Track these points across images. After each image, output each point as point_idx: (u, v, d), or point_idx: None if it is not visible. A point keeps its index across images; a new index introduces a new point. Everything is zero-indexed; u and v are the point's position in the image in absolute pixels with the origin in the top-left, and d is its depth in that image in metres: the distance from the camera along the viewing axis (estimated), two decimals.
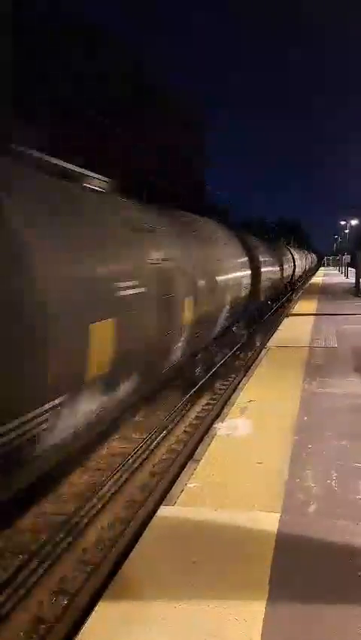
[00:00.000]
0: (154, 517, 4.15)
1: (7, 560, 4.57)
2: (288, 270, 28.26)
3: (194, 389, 9.45)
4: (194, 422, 8.31)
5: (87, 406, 4.67)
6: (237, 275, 12.35)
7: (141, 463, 6.46)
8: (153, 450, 6.88)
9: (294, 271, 33.57)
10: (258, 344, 14.40)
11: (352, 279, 34.50)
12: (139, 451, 6.76)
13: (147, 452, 6.79)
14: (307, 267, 49.83)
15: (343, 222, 67.46)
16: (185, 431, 7.94)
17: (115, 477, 6.06)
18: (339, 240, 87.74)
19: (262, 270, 16.49)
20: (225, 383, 10.58)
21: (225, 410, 6.92)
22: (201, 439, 6.13)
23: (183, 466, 5.38)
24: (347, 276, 47.87)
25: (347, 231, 68.58)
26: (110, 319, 4.88)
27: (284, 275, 25.57)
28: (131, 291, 5.49)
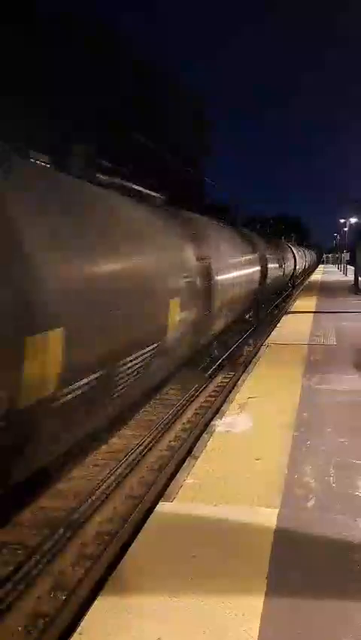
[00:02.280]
0: (153, 513, 4.17)
1: None
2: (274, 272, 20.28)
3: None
4: (193, 419, 8.32)
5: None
6: None
7: None
8: None
9: (295, 269, 33.26)
10: (257, 341, 14.40)
11: (351, 277, 34.52)
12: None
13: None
14: (305, 265, 49.26)
15: (342, 220, 67.46)
16: (183, 428, 7.94)
17: None
18: (338, 237, 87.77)
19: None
20: (224, 380, 10.58)
21: (224, 407, 6.94)
22: (199, 436, 6.14)
23: (181, 462, 5.39)
24: (345, 274, 47.88)
25: (346, 229, 68.57)
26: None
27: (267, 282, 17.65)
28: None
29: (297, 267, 35.07)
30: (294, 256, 31.99)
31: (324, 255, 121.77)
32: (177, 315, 6.55)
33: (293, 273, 32.04)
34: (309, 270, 53.77)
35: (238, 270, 11.76)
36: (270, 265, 18.41)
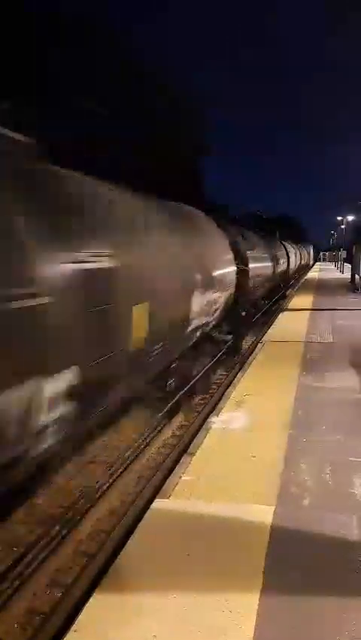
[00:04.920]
0: (149, 510, 4.17)
1: None
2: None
3: None
4: (189, 416, 8.32)
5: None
6: None
7: None
8: None
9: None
10: (253, 338, 14.41)
11: (348, 275, 34.50)
12: None
13: None
14: (299, 262, 46.72)
15: (339, 218, 67.57)
16: (180, 425, 7.95)
17: None
18: (335, 235, 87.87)
19: None
20: (220, 377, 10.60)
21: (220, 404, 6.94)
22: (196, 433, 6.14)
23: (177, 460, 5.40)
24: (342, 272, 47.86)
25: (343, 227, 68.66)
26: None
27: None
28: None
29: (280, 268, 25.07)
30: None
31: (321, 253, 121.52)
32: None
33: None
34: (302, 271, 52.08)
35: None
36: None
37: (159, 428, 7.46)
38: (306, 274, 48.79)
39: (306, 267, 52.79)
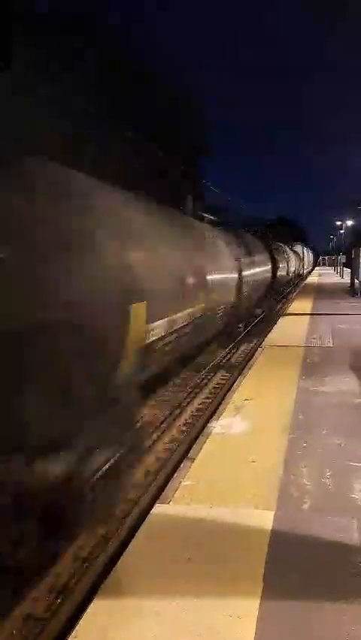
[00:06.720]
0: (149, 515, 4.16)
1: None
2: None
3: None
4: (189, 421, 8.31)
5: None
6: None
7: None
8: None
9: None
10: (253, 343, 14.41)
11: (347, 279, 34.54)
12: None
13: None
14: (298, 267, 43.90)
15: (339, 222, 67.61)
16: (180, 430, 7.93)
17: None
18: (335, 239, 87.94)
19: None
20: (220, 382, 10.58)
21: (220, 409, 6.93)
22: (196, 438, 6.13)
23: (178, 465, 5.38)
24: (342, 276, 47.93)
25: (342, 231, 68.70)
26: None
27: None
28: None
29: None
30: None
31: (320, 257, 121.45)
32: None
33: None
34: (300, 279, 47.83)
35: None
36: None
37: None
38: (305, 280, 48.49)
39: (299, 278, 48.44)
